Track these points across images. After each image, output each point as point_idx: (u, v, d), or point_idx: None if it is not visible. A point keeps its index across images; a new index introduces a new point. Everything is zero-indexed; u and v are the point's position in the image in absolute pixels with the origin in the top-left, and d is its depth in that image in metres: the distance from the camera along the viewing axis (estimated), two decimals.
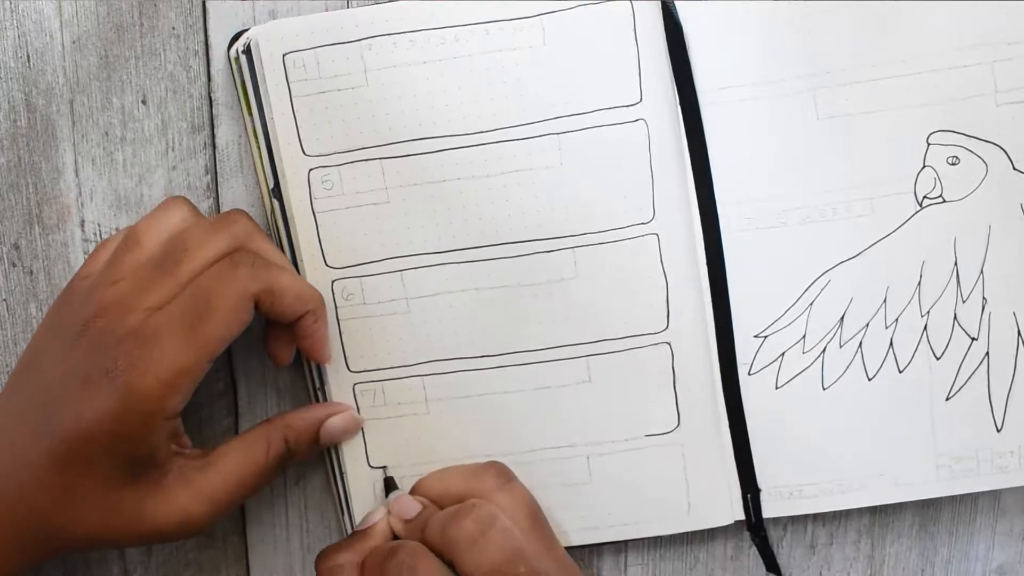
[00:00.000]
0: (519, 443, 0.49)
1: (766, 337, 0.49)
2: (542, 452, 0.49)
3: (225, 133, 0.48)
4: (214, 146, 0.48)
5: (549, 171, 0.47)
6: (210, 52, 0.47)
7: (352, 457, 0.49)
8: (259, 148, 0.47)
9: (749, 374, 0.49)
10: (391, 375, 0.49)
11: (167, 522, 0.43)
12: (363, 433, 0.49)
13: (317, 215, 0.47)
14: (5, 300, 0.48)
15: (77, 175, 0.47)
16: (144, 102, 0.47)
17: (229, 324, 0.42)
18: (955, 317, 0.49)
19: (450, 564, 0.44)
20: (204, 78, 0.47)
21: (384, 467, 0.49)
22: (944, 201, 0.48)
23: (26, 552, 0.43)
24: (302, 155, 0.46)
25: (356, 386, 0.49)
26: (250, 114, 0.47)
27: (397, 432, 0.49)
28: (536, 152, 0.47)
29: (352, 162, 0.47)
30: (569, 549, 0.50)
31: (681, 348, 0.49)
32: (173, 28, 0.47)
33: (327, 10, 0.47)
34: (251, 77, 0.46)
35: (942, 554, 0.53)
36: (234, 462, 0.45)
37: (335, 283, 0.48)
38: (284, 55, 0.46)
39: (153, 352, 0.41)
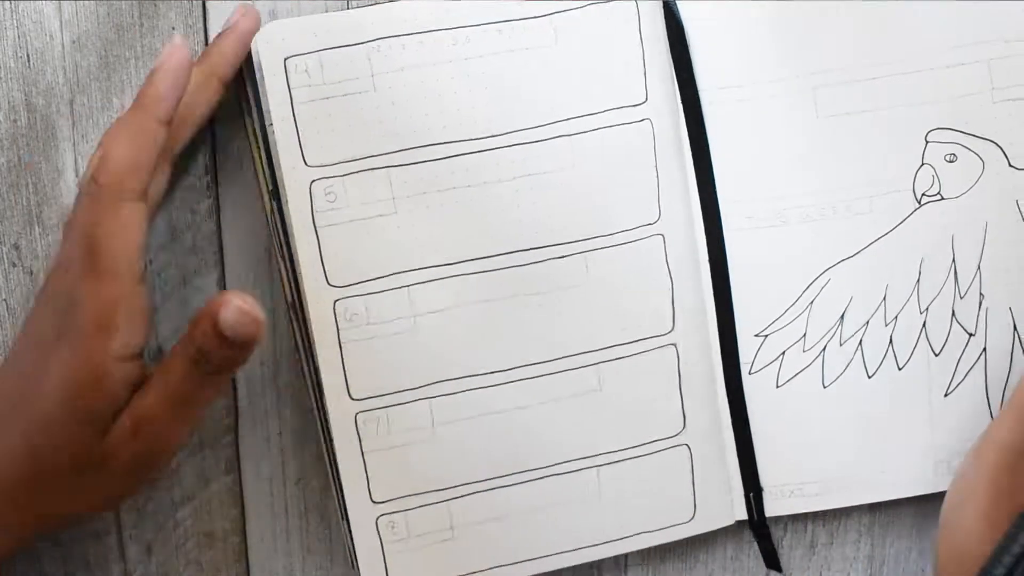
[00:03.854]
0: (529, 461, 0.48)
1: (767, 336, 0.49)
2: (552, 468, 0.48)
3: (225, 133, 0.48)
4: (214, 146, 0.48)
5: (561, 174, 0.46)
6: None
7: (353, 491, 0.47)
8: (259, 152, 0.45)
9: (750, 373, 0.49)
10: (396, 400, 0.47)
11: (126, 460, 0.42)
12: (365, 467, 0.47)
13: (319, 230, 0.45)
14: (5, 300, 0.48)
15: (77, 175, 0.47)
16: None
17: (118, 259, 0.41)
18: (953, 313, 0.49)
19: None
20: None
21: None
22: (942, 198, 0.48)
23: (8, 537, 0.43)
24: (304, 165, 0.44)
25: (358, 415, 0.47)
26: (250, 116, 0.46)
27: (401, 462, 0.47)
28: (547, 155, 0.46)
29: (358, 171, 0.45)
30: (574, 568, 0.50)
31: (686, 349, 0.48)
32: (173, 28, 0.47)
33: (327, 11, 0.47)
34: (251, 80, 0.45)
35: None
36: (157, 379, 0.43)
37: (337, 303, 0.46)
38: (286, 59, 0.43)
39: (86, 302, 0.40)
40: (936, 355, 0.49)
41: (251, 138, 0.46)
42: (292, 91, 0.44)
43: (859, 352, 0.49)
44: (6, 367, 0.45)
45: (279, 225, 0.46)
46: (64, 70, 0.47)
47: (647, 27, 0.46)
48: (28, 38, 0.46)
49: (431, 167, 0.45)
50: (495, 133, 0.45)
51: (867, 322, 0.49)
